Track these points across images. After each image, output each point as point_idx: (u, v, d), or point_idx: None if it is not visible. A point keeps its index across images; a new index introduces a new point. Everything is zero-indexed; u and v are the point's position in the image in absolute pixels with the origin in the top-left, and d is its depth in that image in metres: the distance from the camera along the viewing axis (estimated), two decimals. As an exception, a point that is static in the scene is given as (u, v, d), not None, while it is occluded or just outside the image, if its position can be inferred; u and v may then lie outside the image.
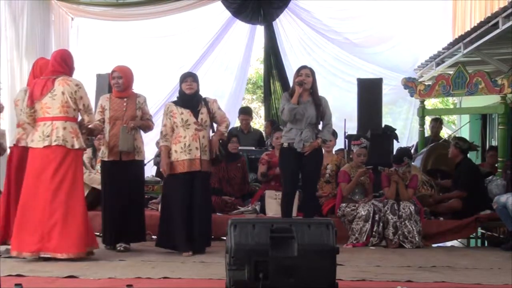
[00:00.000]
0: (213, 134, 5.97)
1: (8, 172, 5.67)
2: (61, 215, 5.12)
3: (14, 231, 5.19)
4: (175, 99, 6.08)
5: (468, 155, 8.09)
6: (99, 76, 8.79)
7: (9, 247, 5.42)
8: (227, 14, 11.05)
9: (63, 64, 5.39)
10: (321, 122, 6.24)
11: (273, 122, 9.71)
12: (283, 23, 11.17)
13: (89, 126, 5.48)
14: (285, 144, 6.18)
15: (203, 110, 5.85)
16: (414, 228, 6.66)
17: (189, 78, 5.92)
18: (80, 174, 5.39)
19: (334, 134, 8.29)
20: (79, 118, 5.44)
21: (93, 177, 7.08)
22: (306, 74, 6.14)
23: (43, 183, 5.16)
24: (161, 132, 5.94)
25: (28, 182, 5.22)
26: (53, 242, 5.08)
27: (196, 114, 5.81)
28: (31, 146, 5.26)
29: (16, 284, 3.44)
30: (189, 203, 5.71)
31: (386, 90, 10.31)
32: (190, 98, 5.85)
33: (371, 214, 6.71)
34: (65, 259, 5.05)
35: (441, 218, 7.40)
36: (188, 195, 5.73)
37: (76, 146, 5.27)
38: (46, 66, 5.54)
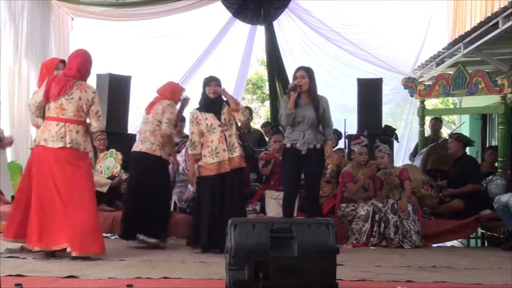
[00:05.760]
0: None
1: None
2: (80, 215, 5.14)
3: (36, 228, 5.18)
4: (198, 104, 6.10)
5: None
6: (99, 76, 8.77)
7: (9, 247, 5.42)
8: (227, 14, 11.05)
9: (83, 69, 5.41)
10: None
11: (269, 124, 9.71)
12: (283, 23, 11.18)
13: (94, 131, 5.51)
14: (288, 145, 6.17)
15: (224, 110, 5.94)
16: (412, 227, 6.66)
17: (213, 82, 6.00)
18: (91, 176, 5.51)
19: (339, 135, 8.30)
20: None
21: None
22: (301, 76, 6.09)
23: (59, 184, 5.18)
24: (190, 140, 6.04)
25: (42, 180, 5.22)
26: (75, 240, 5.10)
27: (219, 116, 5.91)
28: (44, 145, 5.25)
29: (16, 284, 3.44)
30: (220, 204, 5.79)
31: (386, 90, 10.32)
32: (213, 102, 5.95)
33: (370, 214, 6.70)
34: (80, 257, 5.09)
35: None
36: (219, 196, 5.81)
37: (87, 150, 5.41)
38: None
